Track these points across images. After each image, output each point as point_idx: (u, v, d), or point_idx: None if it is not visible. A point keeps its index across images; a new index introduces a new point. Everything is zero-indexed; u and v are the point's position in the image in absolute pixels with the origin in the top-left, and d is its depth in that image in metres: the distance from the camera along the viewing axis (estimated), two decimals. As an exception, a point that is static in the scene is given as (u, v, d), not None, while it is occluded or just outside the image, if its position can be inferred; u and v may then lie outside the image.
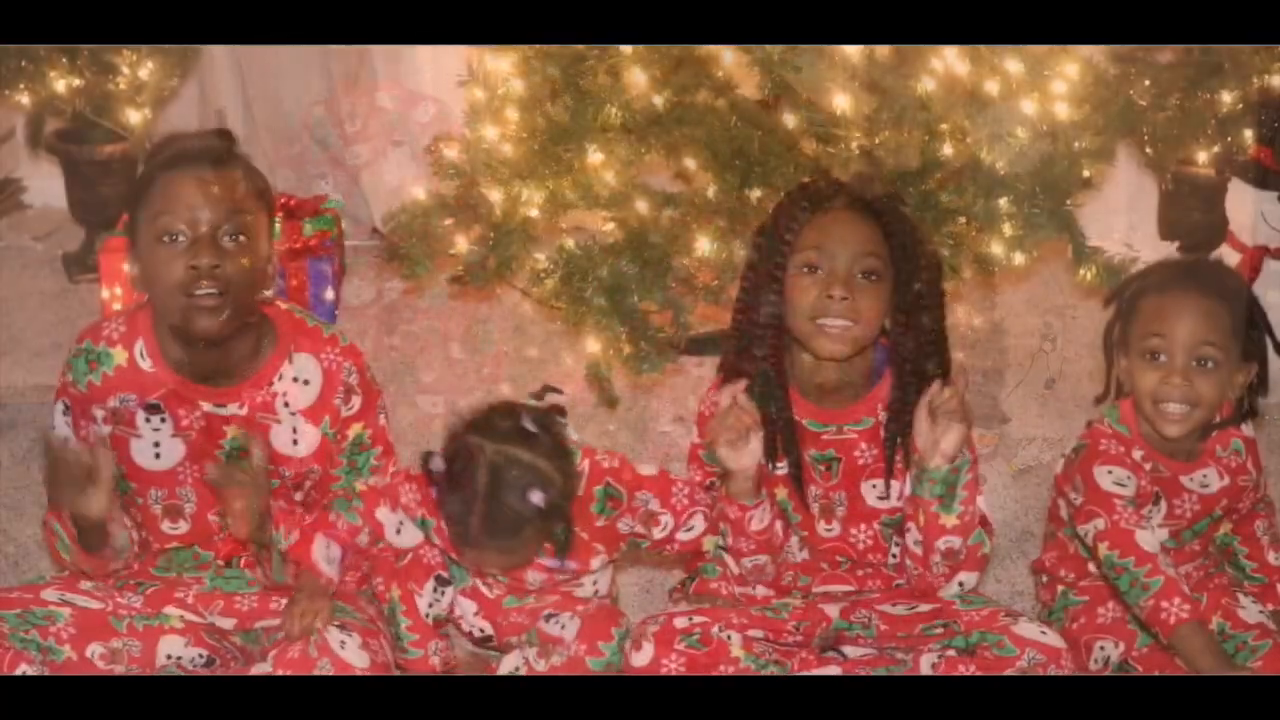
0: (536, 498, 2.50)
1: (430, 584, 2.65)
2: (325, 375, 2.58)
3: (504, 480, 2.49)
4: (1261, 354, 2.70)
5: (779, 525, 2.66)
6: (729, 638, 2.58)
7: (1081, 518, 2.65)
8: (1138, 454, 2.68)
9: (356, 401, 2.60)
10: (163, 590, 2.62)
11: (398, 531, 2.64)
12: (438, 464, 2.53)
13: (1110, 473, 2.65)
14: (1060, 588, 2.82)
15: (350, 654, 2.49)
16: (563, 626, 2.63)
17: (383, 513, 2.62)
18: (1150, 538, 2.59)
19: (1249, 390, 2.72)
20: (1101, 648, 2.69)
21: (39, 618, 2.51)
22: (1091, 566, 2.76)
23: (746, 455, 2.56)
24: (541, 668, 2.60)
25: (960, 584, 2.66)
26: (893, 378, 2.60)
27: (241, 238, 2.48)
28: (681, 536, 2.68)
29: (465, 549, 2.58)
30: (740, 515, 2.60)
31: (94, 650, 2.52)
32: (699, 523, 2.67)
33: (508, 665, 2.67)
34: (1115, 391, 2.75)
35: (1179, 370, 2.62)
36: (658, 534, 2.66)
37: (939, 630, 2.63)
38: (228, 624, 2.63)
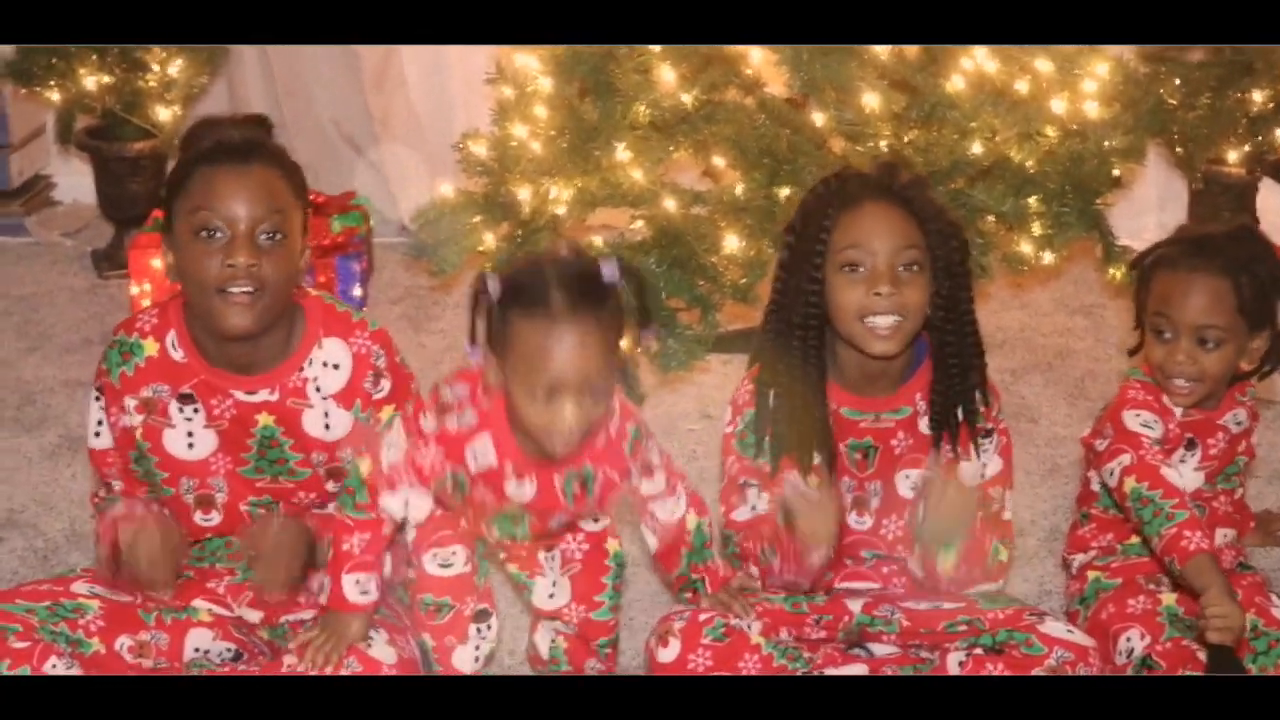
0: (609, 270, 2.40)
1: (472, 631, 2.60)
2: (354, 359, 2.58)
3: (570, 262, 2.41)
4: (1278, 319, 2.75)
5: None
6: (749, 626, 2.59)
7: (1107, 457, 2.69)
8: (1168, 399, 2.75)
9: (386, 385, 2.60)
10: (194, 582, 2.63)
11: (404, 517, 2.53)
12: (494, 284, 2.40)
13: (1138, 415, 2.72)
14: (1091, 574, 2.83)
15: (377, 650, 2.49)
16: (552, 595, 2.66)
17: (386, 500, 2.50)
18: (1177, 476, 2.66)
19: (1269, 353, 2.77)
20: (1128, 639, 2.69)
21: (68, 610, 2.51)
22: (1133, 536, 2.80)
23: (826, 534, 2.53)
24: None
25: (979, 589, 2.66)
26: (935, 365, 2.59)
27: (279, 236, 2.48)
28: (661, 515, 2.64)
29: (550, 336, 2.34)
30: (801, 554, 2.58)
31: (122, 643, 2.52)
32: (680, 505, 2.65)
33: (543, 642, 2.69)
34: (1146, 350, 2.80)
35: (1183, 349, 2.69)
36: (646, 487, 2.59)
37: (963, 628, 2.62)
38: (254, 617, 2.63)
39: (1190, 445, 2.77)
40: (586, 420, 2.40)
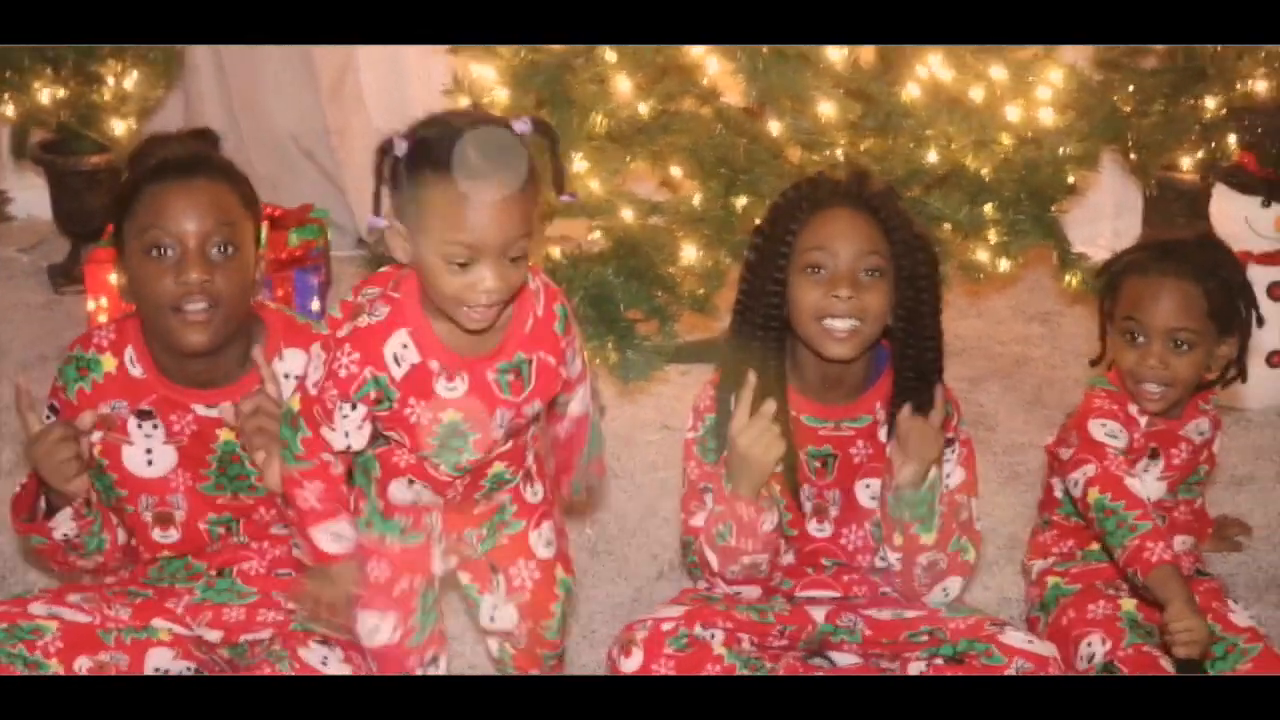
0: (521, 124, 2.27)
1: (418, 672, 2.58)
2: None
3: (480, 118, 2.30)
4: (1245, 325, 2.77)
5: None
6: (711, 636, 2.60)
7: (1071, 466, 2.72)
8: (1133, 408, 2.77)
9: None
10: (153, 601, 2.62)
11: (347, 445, 2.40)
12: (401, 144, 2.26)
13: (1103, 425, 2.74)
14: (1051, 579, 2.86)
15: (333, 669, 2.49)
16: (493, 619, 2.62)
17: (327, 433, 2.38)
18: (1140, 486, 2.69)
19: (1234, 360, 2.80)
20: (1089, 644, 2.72)
21: (26, 632, 2.50)
22: (1094, 543, 2.83)
23: (774, 451, 2.54)
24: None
25: (945, 590, 2.67)
26: (895, 375, 2.60)
27: (230, 249, 2.47)
28: (575, 407, 2.57)
29: (464, 194, 2.21)
30: (755, 517, 2.58)
31: (81, 664, 2.50)
32: (586, 395, 2.58)
33: (493, 646, 2.67)
34: (1110, 357, 2.83)
35: (1155, 353, 2.71)
36: (568, 371, 2.49)
37: (925, 638, 2.63)
38: (214, 636, 2.62)
39: (1153, 455, 2.80)
40: (507, 288, 2.28)
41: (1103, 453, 2.70)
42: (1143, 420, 2.77)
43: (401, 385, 2.36)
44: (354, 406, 2.37)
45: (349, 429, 2.39)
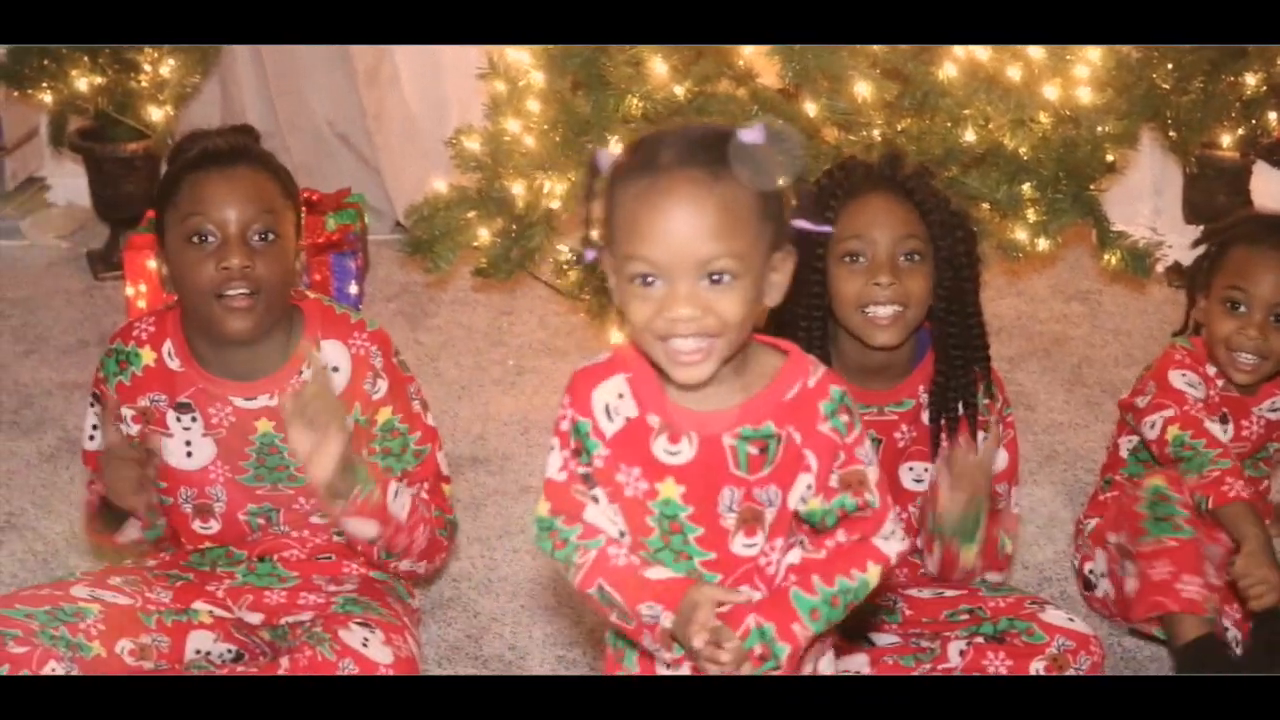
0: (751, 133, 1.84)
1: None
2: (353, 361, 2.58)
3: (703, 124, 2.00)
4: None
5: None
6: None
7: (1150, 410, 2.74)
8: (1210, 370, 2.80)
9: (383, 385, 2.59)
10: (194, 584, 2.63)
11: (613, 523, 2.01)
12: (605, 157, 1.89)
13: (1183, 375, 2.78)
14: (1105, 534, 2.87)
15: (374, 651, 2.49)
16: None
17: (589, 517, 2.00)
18: (1220, 430, 2.71)
19: None
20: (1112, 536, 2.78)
21: (68, 614, 2.51)
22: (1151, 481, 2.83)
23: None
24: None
25: (984, 579, 2.66)
26: (936, 357, 2.58)
27: (271, 236, 2.48)
28: (888, 546, 2.08)
29: (649, 194, 1.82)
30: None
31: (123, 646, 2.52)
32: (894, 544, 2.10)
33: None
34: (1192, 328, 2.86)
35: (1256, 324, 2.73)
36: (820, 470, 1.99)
37: (964, 617, 2.62)
38: (255, 619, 2.64)
39: (1224, 420, 2.82)
40: (715, 321, 1.83)
41: (1182, 398, 2.73)
42: (1219, 382, 2.80)
43: (612, 444, 1.97)
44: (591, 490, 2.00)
45: (599, 509, 2.01)
